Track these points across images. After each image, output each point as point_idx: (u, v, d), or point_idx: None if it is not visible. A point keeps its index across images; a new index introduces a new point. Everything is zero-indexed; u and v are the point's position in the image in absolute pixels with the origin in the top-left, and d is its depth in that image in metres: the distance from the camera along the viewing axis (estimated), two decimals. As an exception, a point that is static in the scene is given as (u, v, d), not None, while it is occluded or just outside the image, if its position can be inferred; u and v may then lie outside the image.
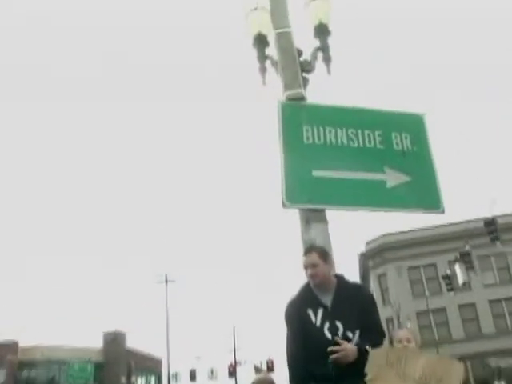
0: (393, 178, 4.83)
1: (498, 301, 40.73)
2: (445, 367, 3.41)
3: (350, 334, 3.60)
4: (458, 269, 28.71)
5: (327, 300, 3.72)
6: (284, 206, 4.49)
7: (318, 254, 3.82)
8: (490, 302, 40.77)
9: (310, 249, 3.96)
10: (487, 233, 25.22)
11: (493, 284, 41.52)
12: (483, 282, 40.96)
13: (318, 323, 3.61)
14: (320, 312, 3.65)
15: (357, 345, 3.53)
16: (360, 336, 3.63)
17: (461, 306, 40.56)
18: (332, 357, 3.44)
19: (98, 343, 47.61)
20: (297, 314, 3.70)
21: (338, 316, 3.63)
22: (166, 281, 45.01)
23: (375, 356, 3.41)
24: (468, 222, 41.38)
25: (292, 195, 4.53)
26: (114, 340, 47.33)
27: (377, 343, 3.66)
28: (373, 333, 3.69)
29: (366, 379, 3.34)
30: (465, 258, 27.81)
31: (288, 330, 3.76)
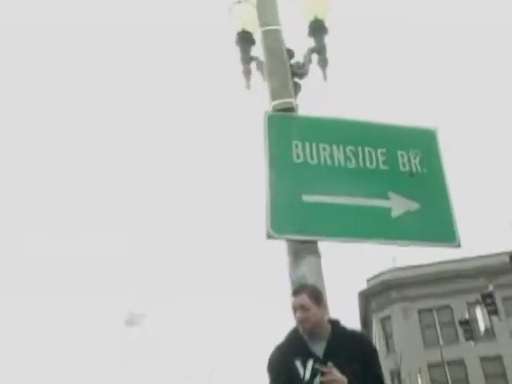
0: (399, 205, 4.89)
1: (529, 352, 40.75)
2: None
3: None
4: (478, 313, 28.84)
5: (319, 349, 3.75)
6: (269, 236, 4.51)
7: (308, 294, 3.86)
8: (518, 353, 40.83)
9: (299, 288, 4.00)
10: (513, 270, 25.42)
11: (521, 331, 41.61)
12: (510, 329, 41.06)
13: (307, 377, 3.64)
14: (310, 363, 3.68)
15: (349, 380, 3.55)
16: None
17: (483, 359, 40.51)
18: (320, 378, 3.49)
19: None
20: (282, 364, 3.74)
21: None
22: (128, 322, 45.17)
23: None
24: (490, 256, 41.68)
25: (279, 224, 4.56)
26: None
27: None
28: None
29: None
30: (487, 300, 27.92)
31: (270, 382, 3.80)
